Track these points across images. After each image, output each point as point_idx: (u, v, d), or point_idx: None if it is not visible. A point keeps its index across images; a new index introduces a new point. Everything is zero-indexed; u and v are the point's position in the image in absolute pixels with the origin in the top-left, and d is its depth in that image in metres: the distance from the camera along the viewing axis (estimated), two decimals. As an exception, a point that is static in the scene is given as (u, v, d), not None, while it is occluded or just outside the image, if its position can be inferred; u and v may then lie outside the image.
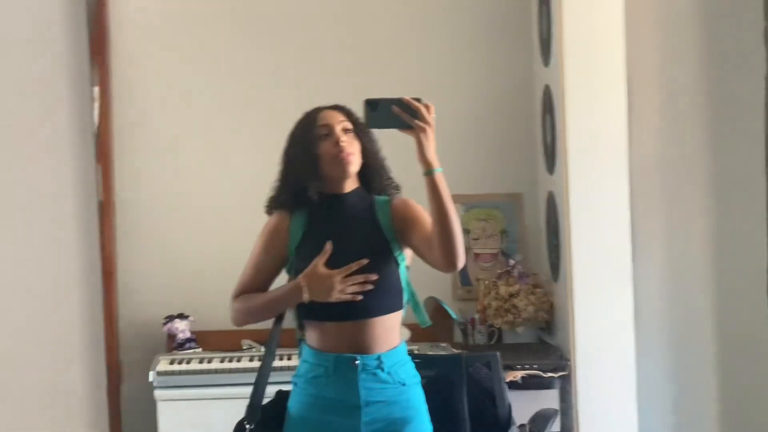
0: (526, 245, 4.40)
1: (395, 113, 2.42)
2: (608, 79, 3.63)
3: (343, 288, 2.50)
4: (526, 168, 4.39)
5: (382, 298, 2.58)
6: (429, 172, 2.44)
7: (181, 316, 4.18)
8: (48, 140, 3.96)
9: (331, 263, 2.55)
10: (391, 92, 4.14)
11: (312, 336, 2.62)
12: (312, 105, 2.72)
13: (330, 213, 2.63)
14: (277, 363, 3.74)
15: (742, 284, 2.90)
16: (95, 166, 4.09)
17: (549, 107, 4.00)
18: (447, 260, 2.49)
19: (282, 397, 2.70)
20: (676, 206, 2.76)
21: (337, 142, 2.58)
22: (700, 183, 2.54)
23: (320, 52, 4.34)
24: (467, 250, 4.40)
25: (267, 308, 2.65)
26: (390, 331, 2.61)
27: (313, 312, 2.59)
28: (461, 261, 2.50)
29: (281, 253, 2.66)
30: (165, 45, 4.34)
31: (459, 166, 4.35)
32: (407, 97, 2.44)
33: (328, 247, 2.53)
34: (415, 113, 2.42)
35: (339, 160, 2.59)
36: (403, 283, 2.63)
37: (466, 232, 4.39)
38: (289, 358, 3.79)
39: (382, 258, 2.60)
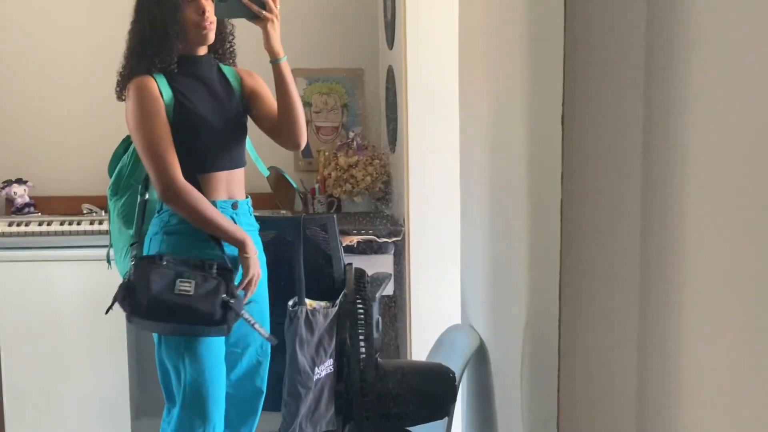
0: (366, 119, 4.53)
1: (244, 3, 2.59)
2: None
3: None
4: (368, 44, 4.49)
5: (244, 150, 2.82)
6: (275, 61, 2.66)
7: (20, 181, 4.15)
8: None
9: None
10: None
11: (202, 187, 2.69)
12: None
13: (188, 74, 2.71)
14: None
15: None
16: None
17: (390, -18, 4.09)
18: (291, 142, 2.79)
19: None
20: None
21: (203, 11, 2.65)
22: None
23: None
24: (308, 122, 4.49)
25: (205, 227, 2.66)
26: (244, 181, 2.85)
27: (208, 164, 2.70)
28: (303, 141, 2.79)
29: (164, 112, 2.64)
30: None
31: (302, 41, 4.43)
32: None
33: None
34: (263, 4, 2.60)
35: (201, 28, 2.67)
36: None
37: (308, 105, 4.48)
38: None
39: (242, 116, 2.81)
